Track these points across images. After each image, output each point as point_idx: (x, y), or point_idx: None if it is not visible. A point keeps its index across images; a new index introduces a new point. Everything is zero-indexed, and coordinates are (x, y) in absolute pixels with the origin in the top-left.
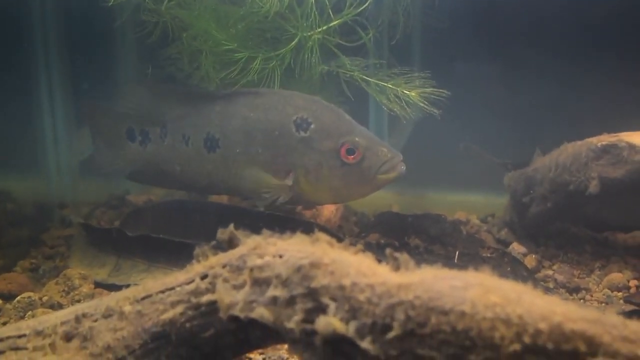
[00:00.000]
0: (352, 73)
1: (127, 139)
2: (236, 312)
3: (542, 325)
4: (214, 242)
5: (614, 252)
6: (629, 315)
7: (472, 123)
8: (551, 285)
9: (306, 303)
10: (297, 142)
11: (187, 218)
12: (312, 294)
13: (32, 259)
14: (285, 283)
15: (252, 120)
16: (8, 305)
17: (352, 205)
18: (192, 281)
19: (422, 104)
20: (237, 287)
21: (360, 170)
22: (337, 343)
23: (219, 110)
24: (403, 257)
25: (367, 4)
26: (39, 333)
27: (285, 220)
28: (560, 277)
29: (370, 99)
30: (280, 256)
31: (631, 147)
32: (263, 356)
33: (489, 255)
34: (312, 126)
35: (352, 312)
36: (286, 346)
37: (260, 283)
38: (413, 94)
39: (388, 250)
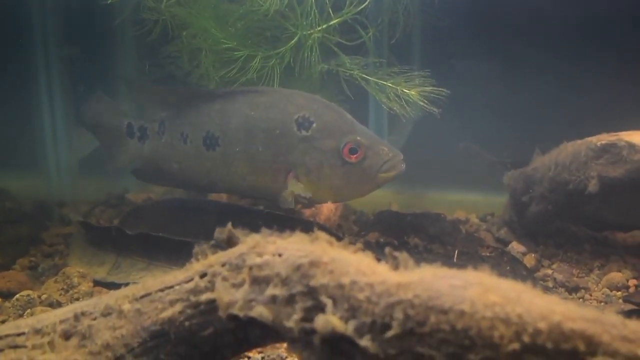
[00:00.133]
0: (352, 72)
1: (127, 134)
2: (235, 310)
3: (542, 325)
4: (213, 241)
5: (614, 252)
6: (628, 314)
7: (471, 122)
8: (550, 284)
9: (305, 302)
10: (298, 141)
11: (187, 216)
12: (311, 292)
13: (31, 257)
14: (284, 282)
15: (252, 118)
16: (7, 304)
17: (351, 204)
18: (191, 280)
19: (421, 103)
20: (236, 286)
21: (362, 169)
22: (336, 342)
23: (219, 108)
24: (402, 256)
25: (367, 3)
26: (37, 331)
27: (285, 218)
28: (559, 276)
29: (370, 97)
30: (280, 255)
31: (631, 146)
32: (262, 355)
33: (488, 254)
34: (314, 125)
35: (352, 311)
36: (285, 345)
37: (260, 282)
38: (413, 92)
39: (387, 249)
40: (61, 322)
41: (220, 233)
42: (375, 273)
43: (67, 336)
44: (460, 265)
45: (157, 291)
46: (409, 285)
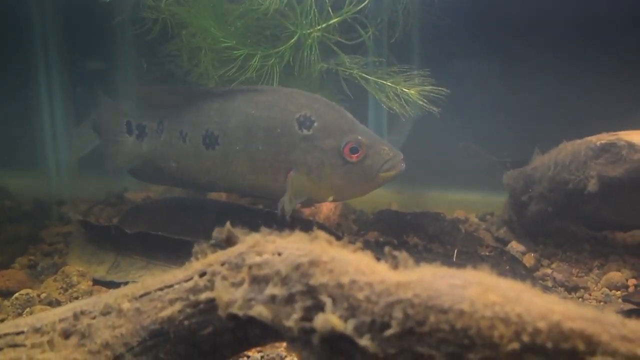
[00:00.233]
0: (352, 71)
1: (125, 133)
2: (235, 310)
3: (541, 324)
4: (213, 240)
5: (613, 251)
6: (628, 314)
7: (471, 121)
8: (550, 283)
9: (305, 301)
10: (299, 140)
11: (186, 215)
12: (311, 291)
13: (30, 255)
14: (284, 281)
15: (253, 117)
16: (6, 302)
17: (351, 203)
18: (191, 279)
19: (421, 102)
20: (236, 285)
21: (363, 169)
22: (335, 341)
23: (219, 107)
24: (402, 255)
25: (366, 2)
26: (37, 330)
27: (284, 218)
28: (558, 276)
29: (369, 97)
30: (279, 254)
31: (630, 146)
32: (261, 354)
33: (487, 253)
34: (315, 124)
35: (351, 310)
36: (285, 344)
37: (259, 281)
38: (412, 92)
39: (387, 249)
40: (60, 321)
41: (219, 233)
42: (374, 272)
43: (66, 335)
44: (460, 264)
45: (156, 290)
46: (408, 285)
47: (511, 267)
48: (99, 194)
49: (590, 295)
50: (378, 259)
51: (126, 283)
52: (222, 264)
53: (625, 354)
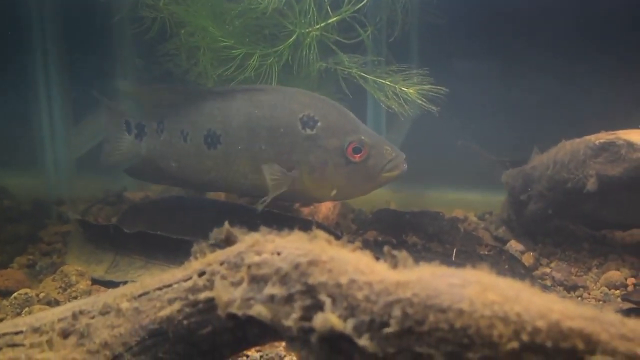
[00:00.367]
0: (350, 70)
1: (124, 132)
2: (234, 309)
3: (540, 323)
4: (212, 240)
5: (612, 250)
6: (627, 313)
7: (470, 120)
8: (549, 283)
9: (304, 300)
10: (303, 139)
11: (185, 215)
12: (310, 291)
13: (29, 255)
14: (283, 280)
15: (256, 116)
16: (5, 302)
17: (349, 203)
18: (190, 278)
19: (420, 101)
20: (235, 284)
21: (365, 169)
22: (334, 340)
23: (221, 106)
24: (401, 254)
25: (365, 1)
26: (35, 330)
27: (283, 217)
28: (557, 275)
29: (368, 96)
30: (278, 253)
31: (629, 145)
32: (260, 354)
33: (486, 252)
34: (319, 124)
35: (350, 310)
36: (284, 344)
37: (258, 280)
38: (411, 91)
39: (386, 248)
40: (59, 320)
41: (218, 233)
42: (373, 272)
43: (65, 335)
44: (459, 263)
45: (155, 290)
46: (407, 284)
47: (510, 266)
48: (98, 193)
49: (589, 294)
50: (377, 258)
51: (125, 282)
52: (221, 264)
53: (624, 352)
